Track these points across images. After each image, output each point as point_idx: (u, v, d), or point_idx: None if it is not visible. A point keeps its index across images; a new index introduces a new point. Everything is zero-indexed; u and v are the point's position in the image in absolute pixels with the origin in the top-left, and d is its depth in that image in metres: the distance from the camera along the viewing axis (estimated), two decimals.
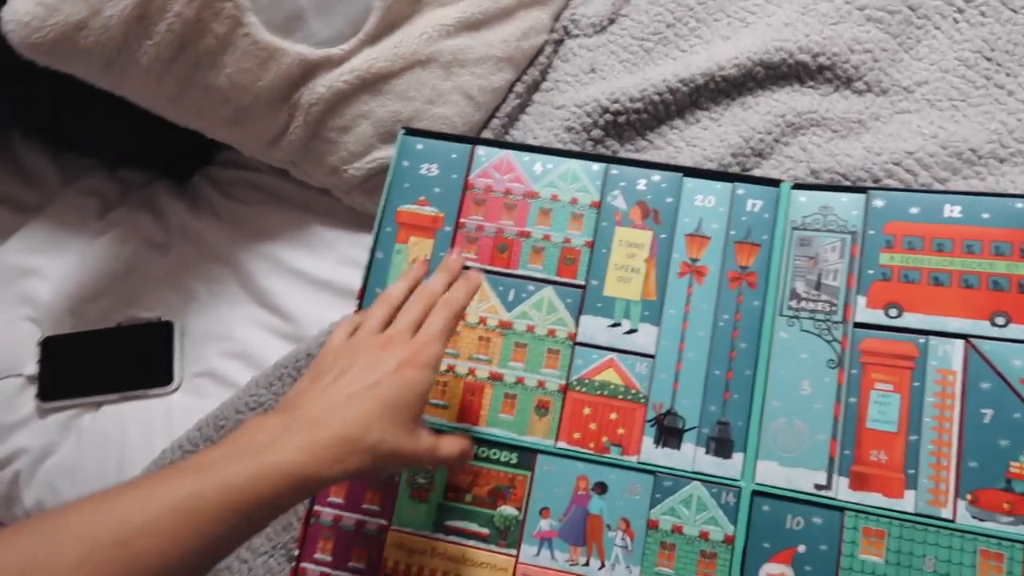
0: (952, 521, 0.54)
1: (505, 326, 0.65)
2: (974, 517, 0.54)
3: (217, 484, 0.38)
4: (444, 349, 0.52)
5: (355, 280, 0.70)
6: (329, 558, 0.63)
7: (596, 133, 0.77)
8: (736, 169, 0.72)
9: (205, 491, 0.37)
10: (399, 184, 0.70)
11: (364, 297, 0.67)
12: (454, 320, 0.54)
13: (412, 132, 0.71)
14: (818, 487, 0.57)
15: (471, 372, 0.65)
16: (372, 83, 0.74)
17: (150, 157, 0.89)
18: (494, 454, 0.63)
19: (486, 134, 0.79)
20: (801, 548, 0.56)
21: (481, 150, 0.70)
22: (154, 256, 0.85)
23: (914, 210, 0.61)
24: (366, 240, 0.70)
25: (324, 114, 0.73)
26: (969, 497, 0.54)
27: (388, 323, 0.54)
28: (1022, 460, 0.54)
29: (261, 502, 0.40)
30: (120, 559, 0.33)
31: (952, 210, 0.60)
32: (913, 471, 0.56)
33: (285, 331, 0.79)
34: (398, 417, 0.47)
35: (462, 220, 0.68)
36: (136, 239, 0.86)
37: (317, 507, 0.64)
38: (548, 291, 0.65)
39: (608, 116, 0.76)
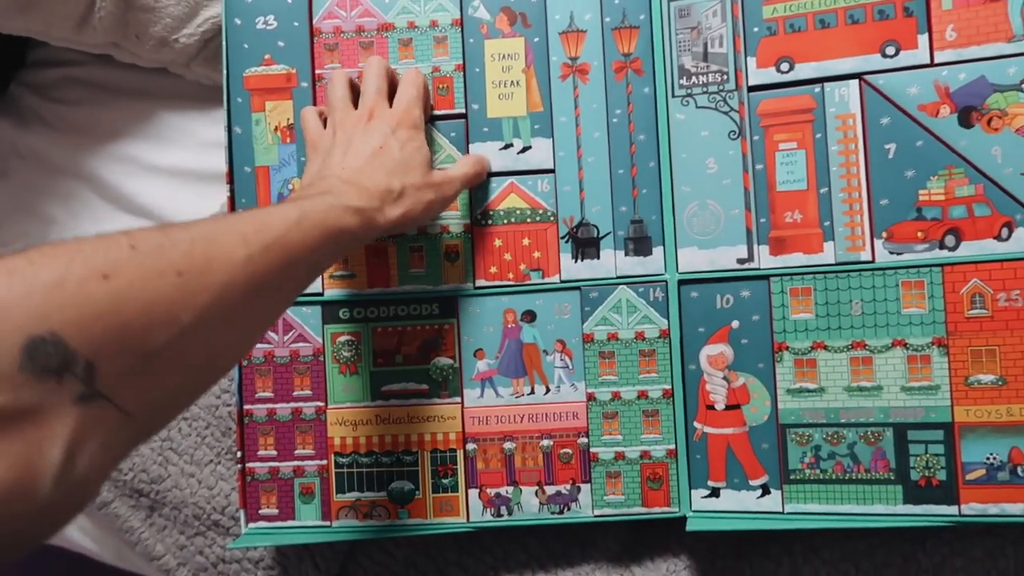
0: (872, 262, 0.55)
1: None
2: (891, 252, 0.54)
3: (317, 209, 0.44)
4: (422, 115, 0.56)
5: (220, 163, 0.63)
6: (274, 452, 0.60)
7: None
8: None
9: (308, 214, 0.43)
10: (237, 46, 0.61)
11: (233, 179, 0.61)
12: (421, 90, 0.57)
13: None
14: (740, 261, 0.57)
15: None
16: None
17: None
18: (414, 310, 0.60)
19: None
20: (735, 324, 0.57)
21: None
22: None
23: None
24: (221, 116, 0.63)
25: None
26: (885, 235, 0.55)
27: (351, 99, 0.56)
28: (929, 187, 0.54)
29: (342, 234, 0.45)
30: (273, 254, 0.40)
31: None
32: (828, 223, 0.55)
33: None
34: (410, 169, 0.53)
35: (318, 72, 0.61)
36: None
37: (247, 406, 0.61)
38: (428, 128, 0.60)
39: None
